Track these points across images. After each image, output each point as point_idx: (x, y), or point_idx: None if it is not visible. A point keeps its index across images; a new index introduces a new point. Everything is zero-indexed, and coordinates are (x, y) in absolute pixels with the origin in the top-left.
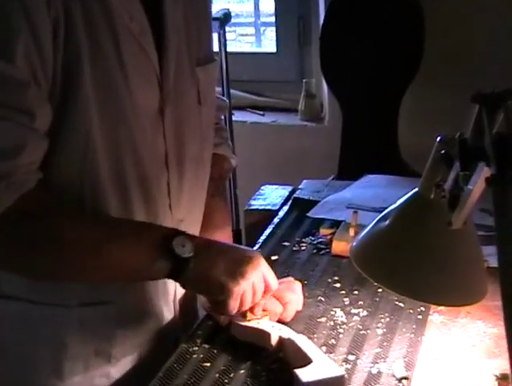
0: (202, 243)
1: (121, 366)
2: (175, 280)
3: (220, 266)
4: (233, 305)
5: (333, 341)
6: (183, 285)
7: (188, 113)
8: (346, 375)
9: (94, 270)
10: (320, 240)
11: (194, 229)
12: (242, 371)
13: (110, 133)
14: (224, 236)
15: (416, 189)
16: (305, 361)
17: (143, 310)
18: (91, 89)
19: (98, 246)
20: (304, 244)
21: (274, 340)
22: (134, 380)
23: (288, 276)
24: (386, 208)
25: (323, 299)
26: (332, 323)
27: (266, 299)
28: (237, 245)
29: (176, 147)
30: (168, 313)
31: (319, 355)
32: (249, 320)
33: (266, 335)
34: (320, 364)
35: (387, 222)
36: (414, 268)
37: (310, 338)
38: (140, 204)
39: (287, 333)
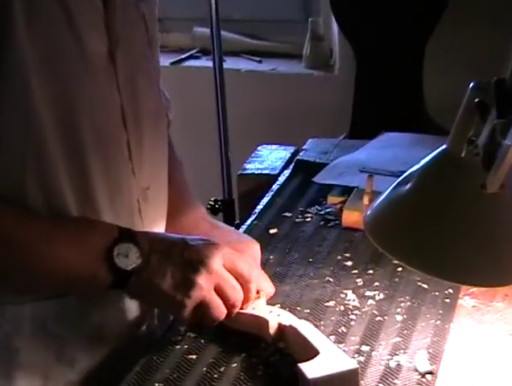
0: (151, 246)
1: (87, 371)
2: (121, 291)
3: (167, 275)
4: (188, 320)
5: (344, 329)
6: (128, 296)
7: (140, 60)
8: (360, 369)
9: (24, 276)
10: (329, 210)
11: (162, 198)
12: (235, 365)
13: (56, 87)
14: (197, 213)
15: (444, 146)
16: (311, 353)
17: (111, 298)
18: (25, 35)
19: (22, 249)
20: (309, 215)
21: (272, 328)
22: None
23: (289, 253)
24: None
25: (331, 280)
26: (342, 308)
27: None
28: (198, 237)
29: (132, 101)
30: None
31: (327, 346)
32: (242, 307)
33: (262, 323)
34: (329, 356)
35: (408, 186)
36: (441, 241)
37: (316, 325)
38: (99, 173)
39: (288, 319)
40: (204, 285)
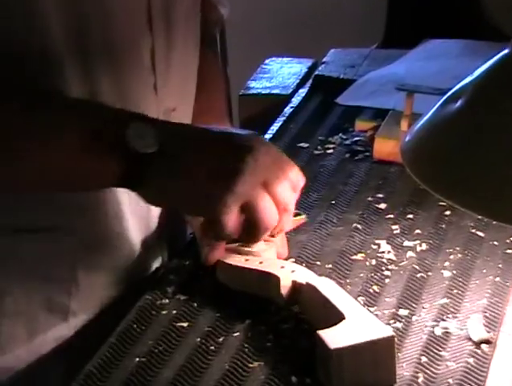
0: (171, 130)
1: (83, 327)
2: (132, 189)
3: (202, 164)
4: (230, 225)
5: (376, 288)
6: (145, 199)
7: None
8: (396, 338)
9: (22, 171)
10: (356, 138)
11: (187, 122)
12: (237, 334)
13: None
14: (216, 103)
15: (507, 50)
16: (334, 318)
17: (113, 233)
18: None
19: (19, 135)
20: (331, 146)
21: (285, 288)
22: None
23: (306, 193)
24: None
25: (360, 227)
26: (374, 262)
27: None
28: (227, 128)
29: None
30: (149, 239)
31: (354, 309)
32: (246, 258)
33: (272, 281)
34: (357, 322)
35: (458, 104)
36: (503, 174)
37: (340, 284)
38: (111, 86)
39: (305, 276)
40: (251, 178)
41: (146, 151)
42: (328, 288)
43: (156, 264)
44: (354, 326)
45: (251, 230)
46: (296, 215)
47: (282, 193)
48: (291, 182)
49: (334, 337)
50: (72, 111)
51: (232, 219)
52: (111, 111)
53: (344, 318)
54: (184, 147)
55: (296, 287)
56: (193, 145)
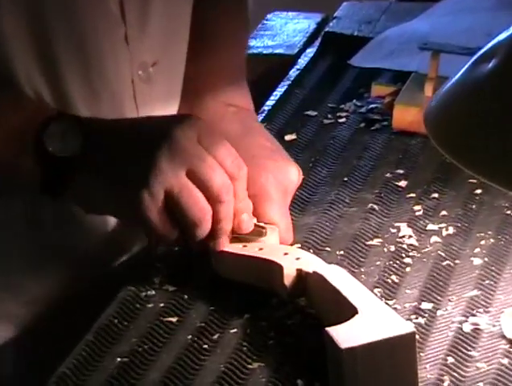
0: (94, 130)
1: (35, 309)
2: (53, 196)
3: (118, 164)
4: (157, 224)
5: (395, 278)
6: (74, 203)
7: None
8: (418, 336)
9: None
10: (373, 105)
11: (175, 78)
12: (234, 331)
13: None
14: (232, 60)
15: None
16: (345, 312)
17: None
18: None
19: None
20: (344, 114)
21: (289, 277)
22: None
23: (314, 168)
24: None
25: (376, 208)
26: (392, 248)
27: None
28: (156, 117)
29: None
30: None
31: (369, 302)
32: (244, 244)
33: (274, 269)
34: (372, 317)
35: (491, 65)
36: None
37: (353, 273)
38: (68, 32)
39: (313, 264)
40: (167, 167)
41: (65, 154)
42: (338, 277)
43: (137, 247)
44: (369, 322)
45: (183, 227)
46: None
47: (210, 180)
48: (226, 168)
49: (345, 334)
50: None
51: (154, 217)
52: (30, 108)
53: (357, 313)
54: (106, 148)
55: (302, 277)
56: (113, 146)
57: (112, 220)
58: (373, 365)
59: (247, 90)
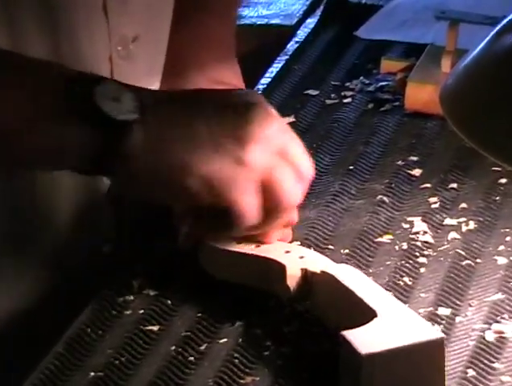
0: (153, 95)
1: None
2: (102, 171)
3: (197, 136)
4: (253, 213)
5: (408, 280)
6: (122, 185)
7: None
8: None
9: None
10: (382, 83)
11: (157, 55)
12: (224, 341)
13: None
14: (221, 32)
15: None
16: (361, 316)
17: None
18: None
19: None
20: (350, 94)
21: (292, 278)
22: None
23: (316, 154)
24: None
25: (386, 200)
26: (405, 246)
27: None
28: (221, 88)
29: None
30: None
31: (389, 304)
32: (238, 240)
33: (275, 269)
34: (393, 320)
35: None
36: None
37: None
38: (34, 9)
39: (319, 263)
40: (264, 146)
41: (124, 118)
42: (351, 277)
43: (108, 247)
44: (390, 326)
45: (270, 212)
46: None
47: (301, 159)
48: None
49: (365, 339)
50: (26, 70)
51: (254, 203)
52: (74, 71)
53: (376, 316)
54: (172, 115)
55: (307, 277)
56: (184, 113)
57: (85, 215)
58: (395, 374)
59: (237, 66)
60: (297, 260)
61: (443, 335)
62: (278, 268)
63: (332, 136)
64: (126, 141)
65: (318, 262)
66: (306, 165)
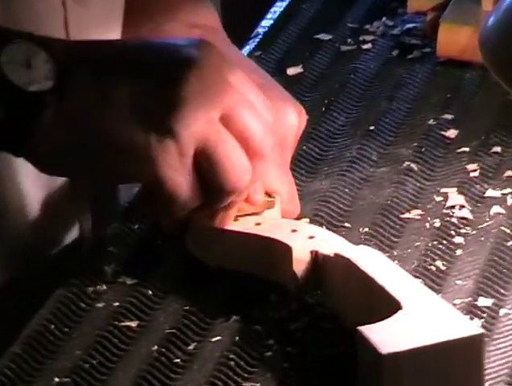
0: (75, 54)
1: None
2: (16, 152)
3: (123, 100)
4: (184, 190)
5: (441, 265)
6: (38, 165)
7: None
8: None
9: None
10: (410, 25)
11: (117, 4)
12: (217, 339)
13: None
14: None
15: None
16: (383, 308)
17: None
18: None
19: None
20: (369, 38)
21: (301, 263)
22: None
23: (328, 113)
24: None
25: (415, 167)
26: (437, 224)
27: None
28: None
29: None
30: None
31: (417, 294)
32: (236, 217)
33: (279, 252)
34: (422, 313)
35: None
36: None
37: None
38: None
39: (333, 244)
40: (200, 109)
41: (36, 89)
42: (372, 262)
43: (72, 235)
44: (418, 320)
45: (210, 193)
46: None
47: (251, 128)
48: (265, 113)
49: (387, 336)
50: None
51: (181, 179)
52: None
53: (400, 308)
54: (96, 79)
55: (318, 262)
56: (109, 74)
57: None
58: (424, 378)
59: (212, 4)
60: (306, 240)
61: (483, 331)
62: (283, 251)
63: (349, 90)
64: (40, 118)
65: (331, 243)
66: (258, 136)
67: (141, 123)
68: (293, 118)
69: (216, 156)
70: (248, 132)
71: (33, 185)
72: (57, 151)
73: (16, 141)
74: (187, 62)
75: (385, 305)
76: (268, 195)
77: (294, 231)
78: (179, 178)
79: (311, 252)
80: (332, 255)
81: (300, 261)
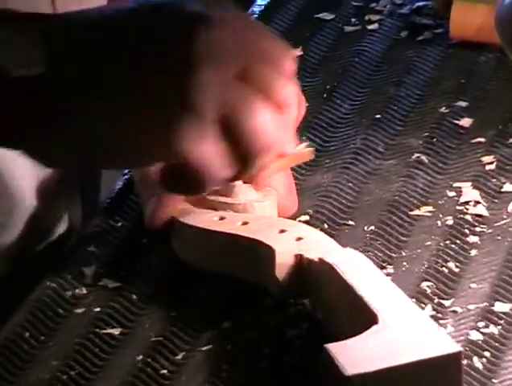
0: (67, 33)
1: None
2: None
3: (127, 76)
4: (213, 160)
5: (454, 266)
6: (32, 155)
7: None
8: (489, 355)
9: None
10: (420, 3)
11: None
12: (207, 348)
13: None
14: None
15: None
16: (361, 320)
17: None
18: None
19: None
20: (376, 18)
21: (283, 267)
22: None
23: (330, 97)
24: None
25: (425, 159)
26: (450, 221)
27: None
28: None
29: None
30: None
31: (396, 306)
32: (222, 216)
33: (263, 254)
34: (397, 328)
35: None
36: None
37: (390, 259)
38: None
39: (319, 247)
40: (218, 69)
41: (22, 73)
42: (355, 268)
43: (61, 227)
44: (392, 336)
45: (245, 158)
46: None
47: (274, 80)
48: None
49: (355, 354)
50: None
51: (211, 149)
52: None
53: (376, 322)
54: (92, 58)
55: (302, 266)
56: (107, 49)
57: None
58: None
59: None
60: (293, 242)
61: (460, 349)
62: (266, 253)
63: (353, 74)
64: (29, 101)
65: (318, 246)
66: (279, 85)
67: (148, 99)
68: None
69: (241, 116)
70: (269, 82)
71: (23, 176)
72: (56, 142)
73: (10, 125)
74: (198, 21)
75: (363, 317)
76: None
77: (282, 231)
78: (204, 149)
79: (296, 255)
80: (316, 259)
81: (282, 265)
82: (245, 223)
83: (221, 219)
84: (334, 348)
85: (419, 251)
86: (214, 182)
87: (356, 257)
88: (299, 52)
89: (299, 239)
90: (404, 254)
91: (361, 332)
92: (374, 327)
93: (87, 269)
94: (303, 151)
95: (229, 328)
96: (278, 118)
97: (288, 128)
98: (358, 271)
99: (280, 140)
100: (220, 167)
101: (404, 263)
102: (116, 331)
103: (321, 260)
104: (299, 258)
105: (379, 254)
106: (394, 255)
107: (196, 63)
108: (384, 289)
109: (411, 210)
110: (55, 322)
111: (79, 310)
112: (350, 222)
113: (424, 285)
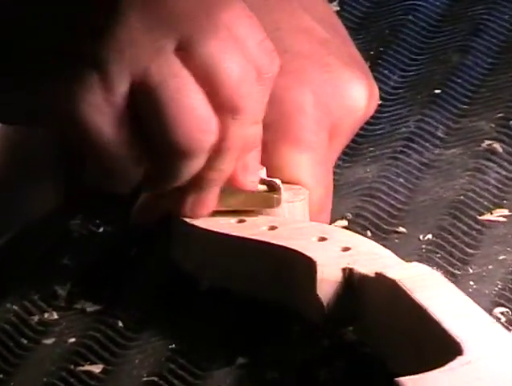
0: None
1: None
2: None
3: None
4: (116, 150)
5: None
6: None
7: None
8: None
9: None
10: None
11: None
12: None
13: None
14: None
15: None
16: (439, 350)
17: None
18: None
19: None
20: None
21: (328, 284)
22: None
23: (375, 69)
24: None
25: (499, 148)
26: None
27: None
28: None
29: None
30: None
31: (484, 333)
32: (240, 218)
33: (298, 267)
34: (487, 361)
35: None
36: None
37: (452, 277)
38: None
39: (374, 259)
40: (143, 34)
41: None
42: (426, 285)
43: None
44: (481, 371)
45: (157, 153)
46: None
47: (222, 63)
48: (247, 53)
49: None
50: None
51: (114, 123)
52: None
53: (460, 353)
54: None
55: (354, 283)
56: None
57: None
58: None
59: None
60: (337, 253)
61: None
62: (304, 267)
63: (405, 37)
64: None
65: (373, 258)
66: (232, 80)
67: (60, 56)
68: (358, 97)
69: (161, 96)
70: (215, 69)
71: None
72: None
73: None
74: None
75: (440, 347)
76: (271, 187)
77: (322, 239)
78: (105, 121)
79: (344, 269)
80: (372, 275)
81: (328, 282)
82: (273, 228)
83: (240, 221)
84: (409, 383)
85: (490, 267)
86: (118, 173)
87: (426, 272)
88: (335, 7)
89: (346, 249)
90: (471, 271)
91: (437, 366)
92: (459, 359)
93: (59, 288)
94: (267, 194)
95: (243, 366)
96: (209, 116)
97: (233, 143)
98: (431, 289)
99: (205, 146)
100: (125, 152)
101: (471, 282)
102: (97, 369)
103: (379, 276)
104: (349, 273)
105: (438, 270)
106: (457, 272)
107: (125, 18)
108: (468, 312)
109: (481, 214)
110: (18, 355)
111: (48, 341)
112: (401, 229)
113: (497, 310)
